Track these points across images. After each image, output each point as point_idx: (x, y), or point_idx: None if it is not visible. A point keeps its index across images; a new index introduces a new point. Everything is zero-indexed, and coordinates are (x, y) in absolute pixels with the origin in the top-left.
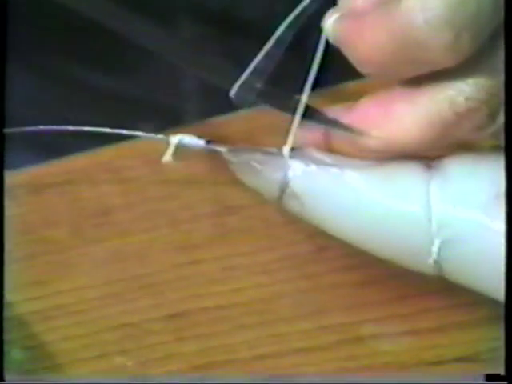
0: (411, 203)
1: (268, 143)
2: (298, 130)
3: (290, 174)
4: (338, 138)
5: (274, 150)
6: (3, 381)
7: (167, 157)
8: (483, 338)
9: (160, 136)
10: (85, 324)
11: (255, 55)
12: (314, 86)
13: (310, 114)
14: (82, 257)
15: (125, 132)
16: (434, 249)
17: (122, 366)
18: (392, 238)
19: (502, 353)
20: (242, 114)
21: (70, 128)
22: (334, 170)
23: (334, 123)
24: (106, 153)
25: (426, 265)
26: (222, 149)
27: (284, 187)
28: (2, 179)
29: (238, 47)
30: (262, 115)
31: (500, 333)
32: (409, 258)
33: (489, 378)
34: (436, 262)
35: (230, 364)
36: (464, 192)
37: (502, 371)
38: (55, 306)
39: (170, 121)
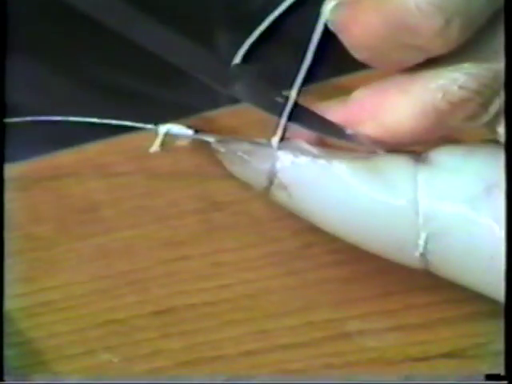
0: (398, 196)
1: (255, 138)
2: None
3: (278, 164)
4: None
5: (263, 140)
6: (3, 381)
7: (155, 147)
8: (469, 334)
9: (149, 126)
10: (71, 320)
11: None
12: (310, 80)
13: (298, 113)
14: (68, 253)
15: (113, 122)
16: (421, 242)
17: (108, 363)
18: (378, 231)
19: (487, 349)
20: (231, 109)
21: (57, 118)
22: (322, 161)
23: (323, 125)
24: (92, 149)
25: (413, 258)
26: (210, 139)
27: (272, 178)
28: (1, 177)
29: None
30: (252, 110)
31: (486, 329)
32: (395, 251)
33: (489, 377)
34: (422, 255)
35: (217, 360)
36: (451, 185)
37: (490, 368)
38: (41, 302)
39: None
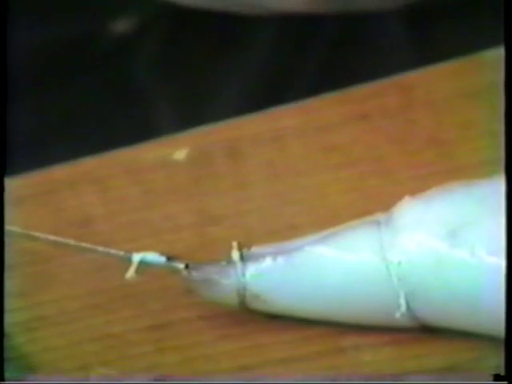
0: (368, 264)
1: (252, 153)
2: None
3: (245, 276)
4: None
5: (225, 260)
6: (3, 381)
7: (130, 273)
8: (465, 348)
9: (122, 253)
10: (66, 335)
11: None
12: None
13: None
14: (63, 267)
15: (86, 245)
16: (402, 301)
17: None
18: (361, 303)
19: (484, 363)
20: (226, 123)
21: None
22: (283, 257)
23: None
24: (88, 162)
25: (401, 319)
26: (179, 265)
27: (243, 292)
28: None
29: None
30: (246, 125)
31: (483, 343)
32: (383, 318)
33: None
34: (409, 313)
35: (213, 375)
36: (414, 240)
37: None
38: (36, 317)
39: None
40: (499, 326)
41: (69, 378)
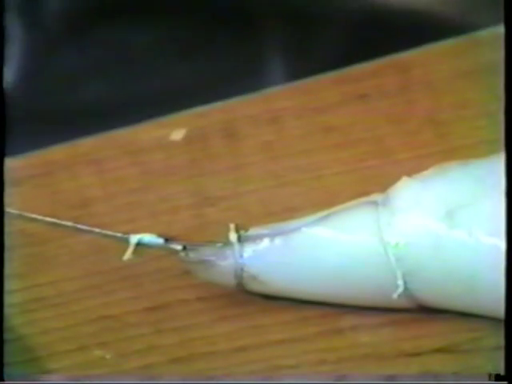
0: (365, 245)
1: (250, 134)
2: None
3: (243, 257)
4: None
5: (222, 242)
6: (3, 381)
7: (128, 255)
8: (463, 329)
9: (119, 235)
10: (64, 317)
11: None
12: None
13: None
14: (61, 249)
15: (83, 227)
16: (399, 282)
17: (101, 359)
18: (358, 284)
19: (482, 343)
20: (222, 104)
21: None
22: (280, 238)
23: None
24: (85, 144)
25: (399, 299)
26: (177, 247)
27: (240, 273)
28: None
29: None
30: (243, 106)
31: (480, 323)
32: (381, 298)
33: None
34: (407, 294)
35: (210, 356)
36: (412, 220)
37: (484, 363)
38: (34, 298)
39: None
40: (497, 306)
41: (69, 379)
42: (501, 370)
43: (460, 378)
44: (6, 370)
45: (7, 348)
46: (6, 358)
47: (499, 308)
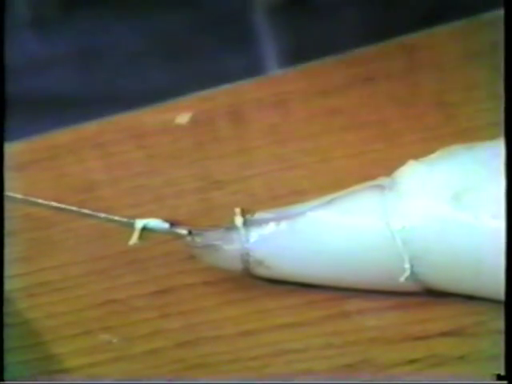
0: (372, 228)
1: (256, 118)
2: None
3: (249, 242)
4: None
5: (228, 226)
6: (3, 381)
7: (133, 240)
8: (469, 312)
9: (125, 219)
10: (69, 301)
11: None
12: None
13: None
14: (66, 233)
15: (88, 212)
16: (406, 265)
17: (107, 343)
18: (364, 267)
19: (488, 327)
20: (229, 87)
21: None
22: (286, 222)
23: None
24: (90, 128)
25: (406, 283)
26: (183, 231)
27: (246, 258)
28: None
29: None
30: (249, 89)
31: (486, 307)
32: (388, 282)
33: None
34: (414, 277)
35: (216, 340)
36: (418, 203)
37: (490, 347)
38: (39, 283)
39: None
40: (503, 289)
41: (69, 379)
42: None
43: (460, 379)
44: (8, 356)
45: (12, 332)
46: (12, 343)
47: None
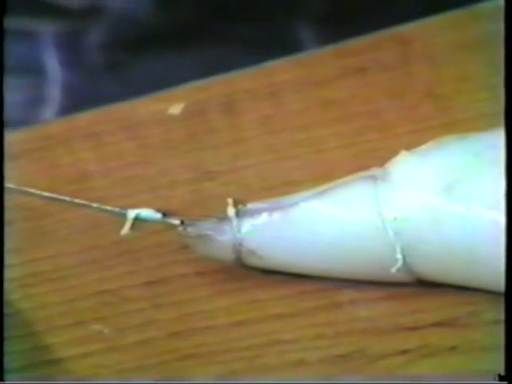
0: (364, 219)
1: (249, 108)
2: None
3: (241, 232)
4: None
5: (220, 217)
6: (3, 381)
7: (125, 230)
8: (461, 303)
9: (117, 209)
10: (62, 291)
11: None
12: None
13: None
14: (58, 223)
15: (81, 202)
16: (398, 255)
17: (99, 333)
18: (356, 258)
19: (480, 317)
20: (222, 78)
21: None
22: (278, 212)
23: None
24: (82, 118)
25: (398, 273)
26: (175, 221)
27: (239, 248)
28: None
29: None
30: (242, 80)
31: (478, 297)
32: (380, 272)
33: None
34: (406, 268)
35: (208, 331)
36: (410, 194)
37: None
38: (32, 273)
39: None
40: (495, 280)
41: (69, 379)
42: (498, 344)
43: (461, 379)
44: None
45: (4, 323)
46: (4, 333)
47: (497, 281)
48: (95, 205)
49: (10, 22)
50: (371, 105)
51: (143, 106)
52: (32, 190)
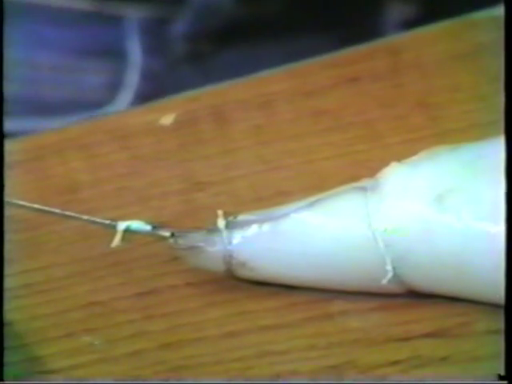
0: (354, 230)
1: (240, 119)
2: None
3: (232, 243)
4: None
5: (211, 228)
6: (3, 381)
7: (116, 242)
8: (453, 314)
9: (107, 222)
10: (52, 303)
11: None
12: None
13: None
14: (49, 235)
15: (71, 214)
16: (388, 267)
17: (90, 345)
18: (347, 269)
19: (471, 328)
20: (212, 88)
21: None
22: (269, 224)
23: None
24: (74, 129)
25: (389, 284)
26: (166, 233)
27: (229, 259)
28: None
29: None
30: (233, 90)
31: (470, 308)
32: (370, 283)
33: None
34: (396, 279)
35: (200, 342)
36: (400, 205)
37: (473, 348)
38: (22, 284)
39: None
40: (486, 290)
41: (69, 379)
42: (489, 354)
43: (461, 379)
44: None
45: None
46: None
47: (488, 292)
48: (86, 217)
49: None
50: (363, 115)
51: (134, 117)
52: (22, 203)
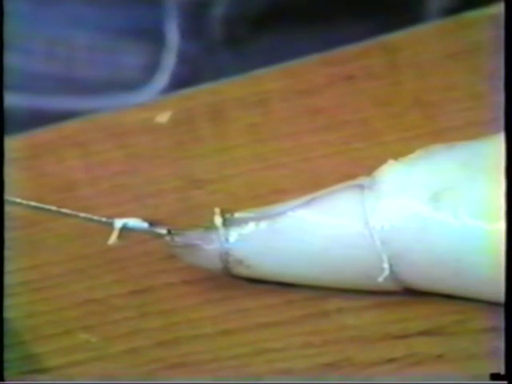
0: (351, 228)
1: (236, 117)
2: None
3: (228, 241)
4: None
5: (207, 226)
6: (3, 381)
7: (112, 240)
8: (448, 312)
9: (104, 219)
10: (49, 300)
11: None
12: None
13: None
14: (45, 233)
15: (68, 211)
16: (385, 265)
17: (86, 343)
18: (343, 267)
19: (467, 326)
20: (209, 86)
21: None
22: (266, 222)
23: None
24: (70, 127)
25: (385, 282)
26: (162, 231)
27: (226, 257)
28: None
29: None
30: (230, 88)
31: (465, 306)
32: (367, 281)
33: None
34: (393, 277)
35: (196, 339)
36: (397, 203)
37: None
38: (19, 282)
39: None
40: (482, 288)
41: (69, 379)
42: (485, 352)
43: (460, 379)
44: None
45: None
46: None
47: (484, 290)
48: (82, 215)
49: None
50: (359, 113)
51: (131, 115)
52: (18, 200)
